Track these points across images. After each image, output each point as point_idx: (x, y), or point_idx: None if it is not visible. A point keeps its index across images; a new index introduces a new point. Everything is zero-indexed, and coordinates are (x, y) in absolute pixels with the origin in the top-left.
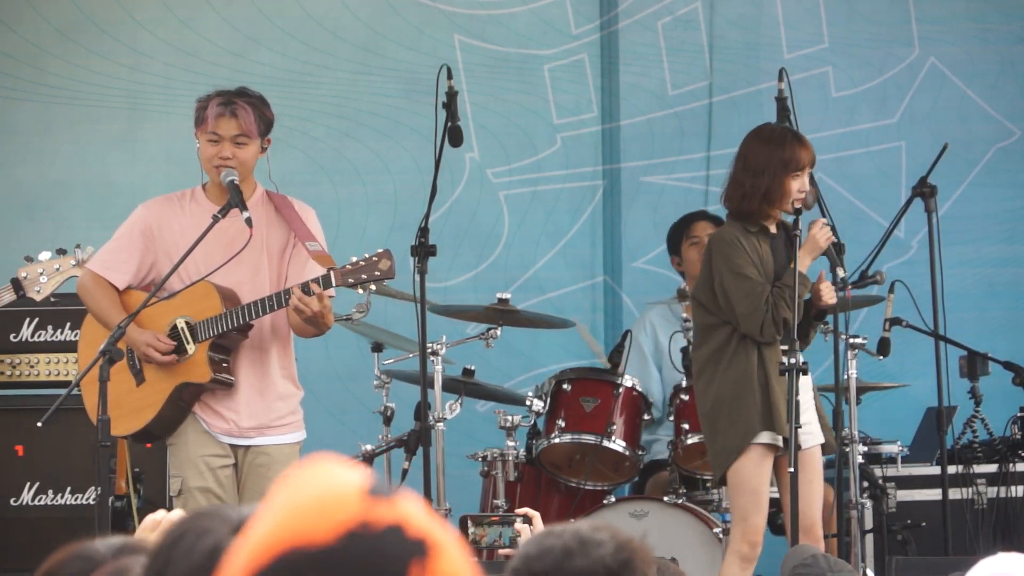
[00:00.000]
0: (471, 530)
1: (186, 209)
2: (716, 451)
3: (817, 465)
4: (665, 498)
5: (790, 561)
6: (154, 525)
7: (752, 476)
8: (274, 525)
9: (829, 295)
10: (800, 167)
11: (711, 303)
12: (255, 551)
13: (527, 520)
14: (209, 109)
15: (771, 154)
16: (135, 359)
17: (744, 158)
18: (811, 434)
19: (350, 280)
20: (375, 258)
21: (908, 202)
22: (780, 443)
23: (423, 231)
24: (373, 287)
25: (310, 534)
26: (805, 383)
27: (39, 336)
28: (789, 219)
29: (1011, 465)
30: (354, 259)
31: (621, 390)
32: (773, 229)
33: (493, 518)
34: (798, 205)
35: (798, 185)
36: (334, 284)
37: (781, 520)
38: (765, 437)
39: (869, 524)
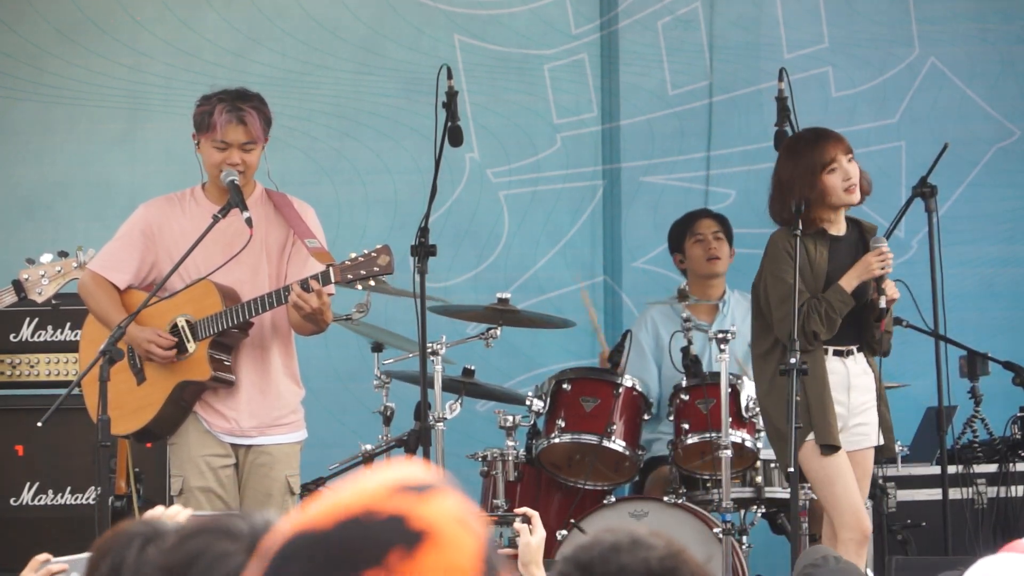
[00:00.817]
0: None
1: (186, 209)
2: (772, 440)
3: (866, 467)
4: (665, 498)
5: (802, 560)
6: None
7: (816, 470)
8: (300, 513)
9: (892, 290)
10: (828, 161)
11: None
12: (274, 536)
13: (526, 520)
14: (216, 116)
15: (795, 164)
16: (136, 358)
17: (777, 176)
18: (865, 435)
19: (349, 276)
20: (374, 254)
21: (908, 202)
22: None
23: (423, 231)
24: (373, 283)
25: (316, 520)
26: (866, 384)
27: (39, 336)
28: (854, 213)
29: (1011, 465)
30: (353, 255)
31: (621, 390)
32: (837, 230)
33: (491, 518)
34: (850, 196)
35: (838, 177)
36: (333, 280)
37: (781, 520)
38: (813, 436)
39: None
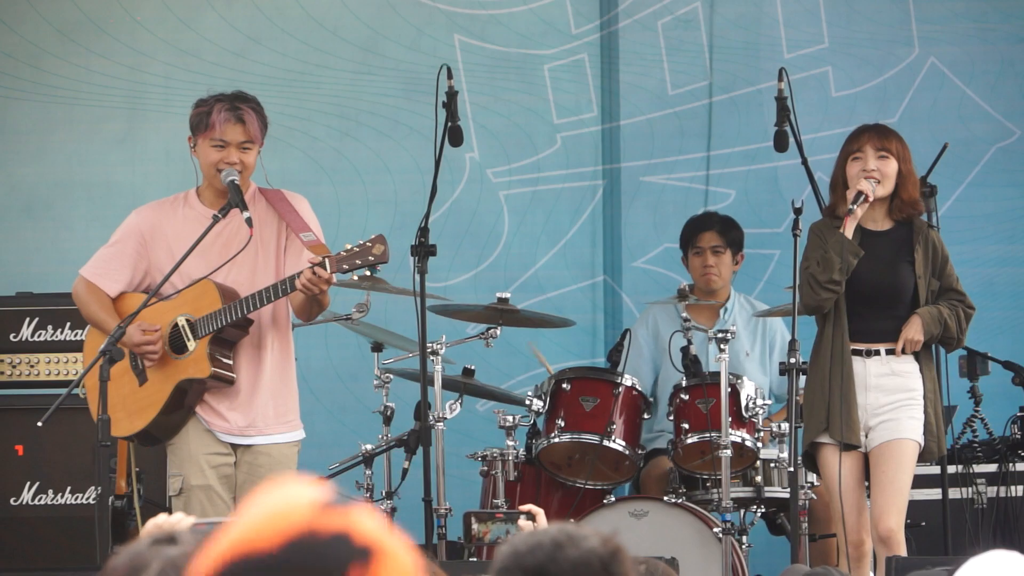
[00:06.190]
0: (474, 526)
1: (179, 213)
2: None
3: (899, 459)
4: (665, 498)
5: (791, 574)
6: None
7: (825, 476)
8: (228, 536)
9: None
10: (856, 149)
11: None
12: (208, 562)
13: (531, 517)
14: (215, 115)
15: (841, 150)
16: (137, 359)
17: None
18: (892, 431)
19: (344, 266)
20: (368, 243)
21: None
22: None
23: (423, 231)
24: (369, 272)
25: (256, 543)
26: (895, 385)
27: (39, 336)
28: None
29: (1011, 465)
30: (348, 246)
31: (621, 389)
32: (874, 225)
33: (497, 515)
34: (859, 188)
35: (857, 167)
36: (329, 271)
37: (780, 520)
38: (825, 438)
39: None
